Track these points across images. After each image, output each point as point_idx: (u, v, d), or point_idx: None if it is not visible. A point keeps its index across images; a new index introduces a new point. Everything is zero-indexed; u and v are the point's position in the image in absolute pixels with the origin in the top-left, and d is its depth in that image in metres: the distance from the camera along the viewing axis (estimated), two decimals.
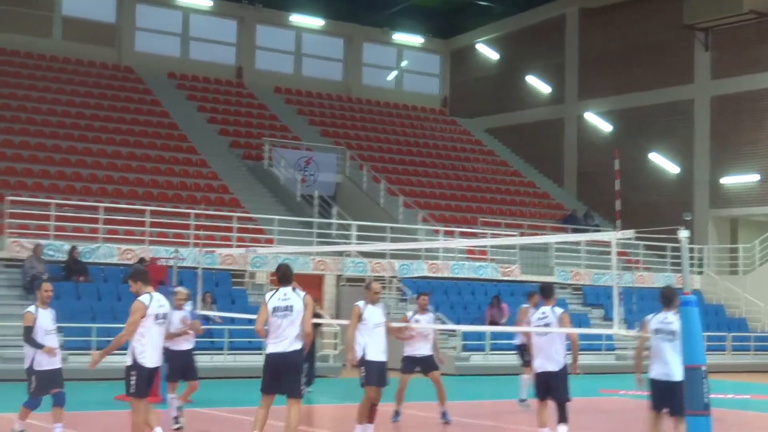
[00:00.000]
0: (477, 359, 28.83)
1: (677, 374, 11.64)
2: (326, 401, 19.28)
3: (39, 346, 13.01)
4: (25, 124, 34.15)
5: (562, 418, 13.02)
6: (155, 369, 11.58)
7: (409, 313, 16.48)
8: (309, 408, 19.44)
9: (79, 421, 14.38)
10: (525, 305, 17.80)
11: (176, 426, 13.97)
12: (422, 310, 16.52)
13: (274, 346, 11.78)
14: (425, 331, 16.20)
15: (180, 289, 14.82)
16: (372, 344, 13.13)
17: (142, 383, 11.43)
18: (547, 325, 13.13)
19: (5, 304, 24.95)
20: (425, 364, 16.39)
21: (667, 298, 12.25)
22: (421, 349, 16.32)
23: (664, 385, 11.98)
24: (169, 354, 13.66)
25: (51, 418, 13.10)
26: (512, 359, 28.68)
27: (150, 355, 11.42)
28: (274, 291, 12.07)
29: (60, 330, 24.20)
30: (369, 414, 13.19)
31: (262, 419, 11.77)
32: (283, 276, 12.08)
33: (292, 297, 11.89)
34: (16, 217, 27.04)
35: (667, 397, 11.96)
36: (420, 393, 17.58)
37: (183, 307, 15.07)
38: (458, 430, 16.47)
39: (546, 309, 13.29)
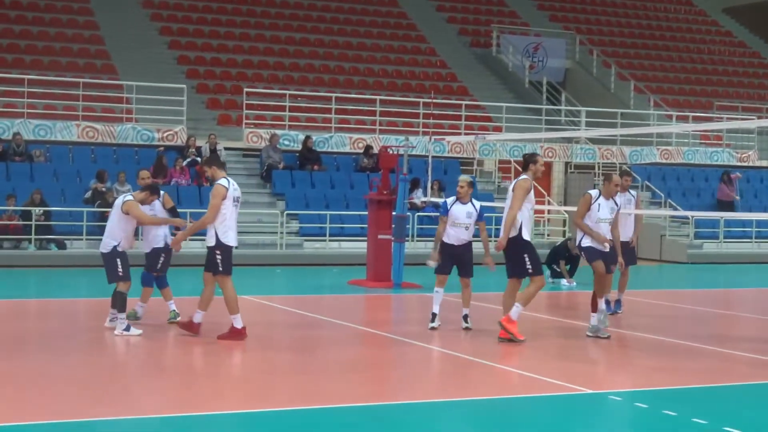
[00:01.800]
0: (710, 247, 28.16)
1: None
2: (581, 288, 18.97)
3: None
4: (260, 18, 35.10)
5: None
6: (235, 247, 11.97)
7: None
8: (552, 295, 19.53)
9: (313, 303, 14.95)
10: None
11: (465, 325, 13.75)
12: (623, 189, 14.62)
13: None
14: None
15: (466, 175, 14.15)
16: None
17: (227, 261, 11.94)
18: None
19: (244, 192, 25.94)
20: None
21: None
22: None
23: None
24: (443, 247, 13.34)
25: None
26: (747, 247, 28.13)
27: (231, 235, 11.92)
28: None
29: (296, 217, 25.48)
30: (592, 302, 13.09)
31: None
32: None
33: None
34: (252, 108, 28.09)
35: None
36: (649, 281, 17.27)
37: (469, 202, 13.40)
38: (688, 321, 16.28)
39: None
